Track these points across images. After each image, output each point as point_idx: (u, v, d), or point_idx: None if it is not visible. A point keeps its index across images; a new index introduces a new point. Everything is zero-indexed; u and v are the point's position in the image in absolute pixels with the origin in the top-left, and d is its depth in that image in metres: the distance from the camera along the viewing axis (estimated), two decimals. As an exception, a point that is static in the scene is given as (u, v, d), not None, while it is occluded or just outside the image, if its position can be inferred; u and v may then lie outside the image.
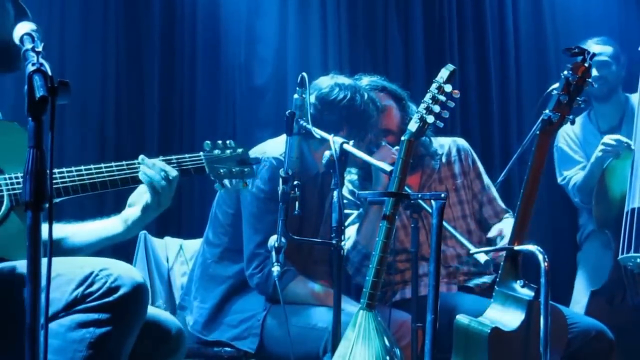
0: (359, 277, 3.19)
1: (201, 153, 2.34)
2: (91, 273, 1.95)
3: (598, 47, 4.20)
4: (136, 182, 2.25)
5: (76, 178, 2.19)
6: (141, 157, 2.26)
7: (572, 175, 4.22)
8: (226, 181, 2.36)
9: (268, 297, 3.03)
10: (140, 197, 2.30)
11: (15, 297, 1.83)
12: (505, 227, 3.18)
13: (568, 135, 4.28)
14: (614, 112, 4.33)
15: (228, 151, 2.37)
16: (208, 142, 2.37)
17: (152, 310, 2.28)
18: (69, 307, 1.95)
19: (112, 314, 1.93)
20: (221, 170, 2.34)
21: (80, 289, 1.93)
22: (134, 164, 2.26)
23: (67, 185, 2.18)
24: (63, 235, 2.34)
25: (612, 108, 4.32)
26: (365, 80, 3.30)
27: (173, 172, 2.25)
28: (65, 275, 1.96)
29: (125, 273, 1.97)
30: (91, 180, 2.20)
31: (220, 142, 2.38)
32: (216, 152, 2.35)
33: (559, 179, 4.26)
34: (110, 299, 1.93)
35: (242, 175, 2.37)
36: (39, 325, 1.38)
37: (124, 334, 1.97)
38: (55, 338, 1.92)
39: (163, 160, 2.28)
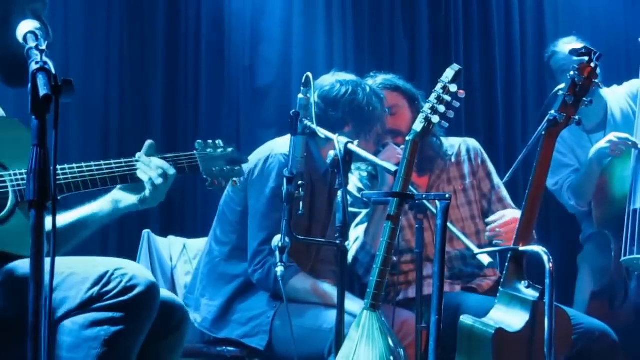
0: (368, 277, 3.19)
1: (195, 152, 2.40)
2: (106, 272, 2.01)
3: (577, 44, 4.15)
4: (134, 179, 2.30)
5: (77, 174, 2.23)
6: (138, 154, 2.32)
7: (565, 180, 4.13)
8: (220, 179, 2.42)
9: (269, 292, 3.03)
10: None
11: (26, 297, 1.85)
12: (507, 212, 3.16)
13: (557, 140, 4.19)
14: (597, 109, 4.11)
15: (219, 150, 2.43)
16: (200, 141, 2.43)
17: None
18: (84, 306, 2.00)
19: (126, 313, 2.00)
20: (214, 169, 2.41)
21: (96, 288, 1.99)
22: (132, 161, 2.30)
23: (69, 181, 2.21)
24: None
25: (595, 104, 4.20)
26: (379, 79, 3.29)
27: (171, 171, 2.32)
28: (79, 274, 2.02)
29: (140, 273, 2.05)
30: (91, 177, 2.24)
31: (210, 141, 2.44)
32: (209, 150, 2.42)
33: (551, 185, 4.11)
34: (126, 298, 1.99)
35: (233, 174, 2.44)
36: (42, 323, 1.38)
37: (136, 332, 2.04)
38: (69, 336, 1.98)
39: (161, 158, 2.33)
